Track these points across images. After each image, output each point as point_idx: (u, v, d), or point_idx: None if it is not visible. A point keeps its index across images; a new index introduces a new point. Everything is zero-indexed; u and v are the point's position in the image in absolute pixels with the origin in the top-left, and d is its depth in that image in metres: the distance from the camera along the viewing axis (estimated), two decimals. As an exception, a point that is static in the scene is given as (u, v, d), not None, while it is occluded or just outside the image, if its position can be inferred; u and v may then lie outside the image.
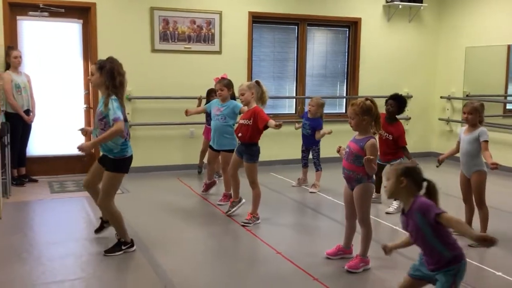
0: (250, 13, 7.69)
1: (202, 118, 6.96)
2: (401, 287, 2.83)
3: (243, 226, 4.94)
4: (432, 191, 2.72)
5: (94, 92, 7.00)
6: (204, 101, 6.85)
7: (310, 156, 6.58)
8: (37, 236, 4.66)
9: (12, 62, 6.29)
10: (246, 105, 5.06)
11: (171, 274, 3.77)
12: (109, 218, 4.25)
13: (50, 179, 6.83)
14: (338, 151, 4.03)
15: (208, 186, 6.21)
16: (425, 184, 2.73)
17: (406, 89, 8.80)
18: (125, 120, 4.06)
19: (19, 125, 6.31)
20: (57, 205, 5.68)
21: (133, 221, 4.99)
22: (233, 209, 5.27)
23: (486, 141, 4.49)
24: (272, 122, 4.85)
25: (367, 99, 3.83)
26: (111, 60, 4.06)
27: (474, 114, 4.53)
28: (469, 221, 4.71)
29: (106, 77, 3.96)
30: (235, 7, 7.61)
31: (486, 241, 2.49)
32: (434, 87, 9.06)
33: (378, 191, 5.75)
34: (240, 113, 5.61)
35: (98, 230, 4.59)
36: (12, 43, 6.50)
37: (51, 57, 6.91)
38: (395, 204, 5.55)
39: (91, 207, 5.50)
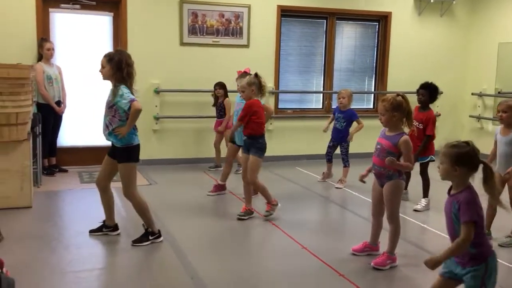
0: (278, 6, 7.66)
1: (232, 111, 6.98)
2: (433, 287, 2.77)
3: (238, 219, 4.95)
4: (488, 176, 2.60)
5: (123, 84, 7.07)
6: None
7: (336, 151, 6.53)
8: (67, 225, 4.75)
9: (44, 54, 6.41)
10: (247, 101, 5.00)
11: (197, 266, 3.80)
12: (135, 208, 4.30)
13: (79, 169, 6.95)
14: (361, 180, 3.91)
15: (218, 188, 5.95)
16: (481, 166, 2.61)
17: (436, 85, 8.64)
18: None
19: (50, 115, 6.44)
20: (86, 195, 5.77)
21: (160, 213, 5.05)
22: (270, 215, 5.08)
23: None
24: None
25: (398, 94, 3.77)
26: (119, 52, 4.19)
27: (509, 112, 4.35)
28: (489, 223, 4.47)
29: (114, 69, 4.06)
30: (263, 1, 7.59)
31: (428, 263, 2.57)
32: (465, 84, 8.88)
33: (405, 187, 5.67)
34: None
35: (94, 231, 4.48)
36: (44, 35, 6.62)
37: (82, 49, 7.01)
38: (423, 202, 5.49)
39: (119, 198, 5.57)
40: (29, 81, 5.21)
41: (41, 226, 4.65)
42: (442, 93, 8.59)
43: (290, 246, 4.34)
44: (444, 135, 8.30)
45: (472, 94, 8.74)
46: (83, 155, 7.11)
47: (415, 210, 5.42)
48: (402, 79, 8.30)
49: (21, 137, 5.05)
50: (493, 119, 8.24)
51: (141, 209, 4.26)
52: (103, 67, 4.15)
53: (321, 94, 8.32)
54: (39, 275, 3.59)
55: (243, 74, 5.79)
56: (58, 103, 6.53)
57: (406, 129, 3.94)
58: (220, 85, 6.86)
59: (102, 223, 4.48)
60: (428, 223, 5.01)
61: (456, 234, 2.59)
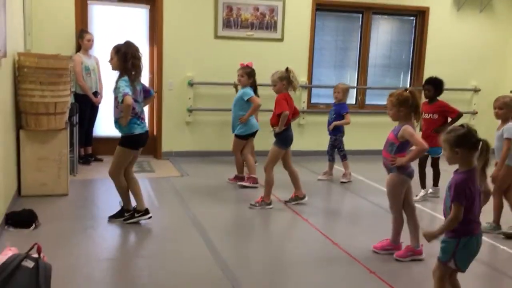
0: (314, 0, 7.61)
1: (265, 105, 6.96)
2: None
3: (250, 207, 5.08)
4: (484, 150, 2.78)
5: (158, 76, 7.17)
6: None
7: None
8: (102, 212, 4.85)
9: (84, 45, 6.53)
10: (278, 94, 5.13)
11: (226, 257, 3.84)
12: (116, 188, 4.53)
13: (114, 159, 7.07)
14: None
15: (237, 178, 6.12)
16: (480, 144, 2.79)
17: (474, 82, 8.47)
18: (135, 100, 4.26)
19: (87, 106, 6.57)
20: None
21: (191, 204, 5.12)
22: (293, 202, 5.27)
23: (508, 139, 4.43)
24: (284, 114, 4.99)
25: (406, 89, 3.86)
26: (127, 44, 4.32)
27: (505, 109, 4.50)
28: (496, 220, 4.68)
29: (120, 60, 4.23)
30: (299, -5, 7.55)
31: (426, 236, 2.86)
32: (504, 81, 8.64)
33: (423, 186, 5.71)
34: (248, 102, 5.87)
35: (113, 216, 4.63)
36: (83, 27, 6.75)
37: (119, 41, 7.08)
38: (422, 193, 5.64)
39: (152, 188, 5.67)
40: (68, 71, 5.33)
41: (77, 214, 4.77)
42: (480, 90, 8.44)
43: (309, 232, 4.34)
44: (481, 134, 8.11)
45: (511, 91, 8.51)
46: (118, 145, 7.21)
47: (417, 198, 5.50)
48: (439, 75, 8.06)
49: (59, 126, 5.18)
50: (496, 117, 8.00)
51: (121, 190, 4.52)
52: (111, 58, 4.32)
53: (355, 90, 8.23)
54: (75, 262, 3.69)
55: (246, 67, 6.01)
56: (95, 93, 6.66)
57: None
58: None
59: (133, 209, 4.60)
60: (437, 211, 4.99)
61: (446, 209, 2.83)
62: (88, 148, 6.84)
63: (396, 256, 3.92)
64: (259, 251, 4.12)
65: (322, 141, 6.68)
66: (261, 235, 4.53)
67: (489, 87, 8.53)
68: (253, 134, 6.09)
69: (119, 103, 4.23)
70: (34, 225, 4.24)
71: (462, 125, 2.84)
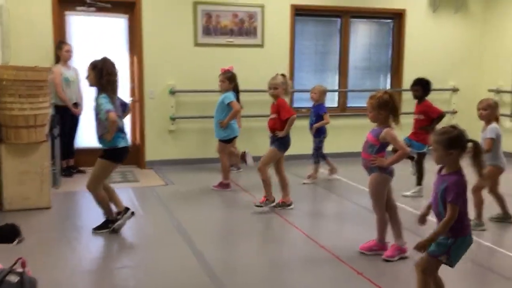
0: (292, 5, 7.67)
1: (248, 111, 6.97)
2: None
3: (256, 207, 5.15)
4: (477, 152, 2.85)
5: (139, 85, 7.14)
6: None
7: (325, 150, 6.59)
8: (86, 224, 4.81)
9: (63, 56, 6.49)
10: (275, 99, 5.16)
11: (214, 265, 3.83)
12: (95, 200, 4.52)
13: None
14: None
15: (220, 185, 6.17)
16: (470, 145, 2.85)
17: (452, 82, 8.60)
18: (117, 115, 4.30)
19: (68, 117, 6.52)
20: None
21: (177, 213, 5.10)
22: (279, 208, 5.27)
23: (490, 138, 4.56)
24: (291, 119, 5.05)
25: (385, 92, 3.89)
26: (103, 60, 4.35)
27: (489, 110, 4.62)
28: (503, 207, 4.87)
29: (96, 76, 4.27)
30: (277, 0, 7.59)
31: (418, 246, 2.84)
32: (481, 80, 8.78)
33: (419, 182, 5.82)
34: (229, 106, 5.93)
35: (98, 228, 4.61)
36: (60, 38, 6.70)
37: (98, 51, 7.06)
38: (414, 189, 5.76)
39: (136, 198, 5.64)
40: (47, 83, 5.28)
41: (61, 227, 4.72)
42: (458, 90, 8.57)
43: (296, 235, 4.36)
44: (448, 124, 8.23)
45: (489, 90, 8.64)
46: (100, 156, 7.15)
47: (404, 196, 5.64)
48: (418, 76, 8.21)
49: (39, 138, 5.13)
50: (510, 115, 8.15)
51: (101, 203, 4.51)
52: (88, 75, 4.37)
53: (336, 93, 8.30)
54: (61, 274, 3.65)
55: (226, 71, 6.05)
56: (76, 105, 6.61)
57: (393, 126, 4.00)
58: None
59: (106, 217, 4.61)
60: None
61: (439, 211, 2.84)
62: (70, 160, 6.78)
63: (385, 257, 3.94)
64: (245, 256, 4.12)
65: (305, 145, 6.72)
66: (247, 240, 4.52)
67: (467, 87, 8.67)
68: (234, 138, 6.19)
69: (101, 120, 4.27)
70: (17, 240, 4.16)
71: (453, 126, 2.87)
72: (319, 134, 6.44)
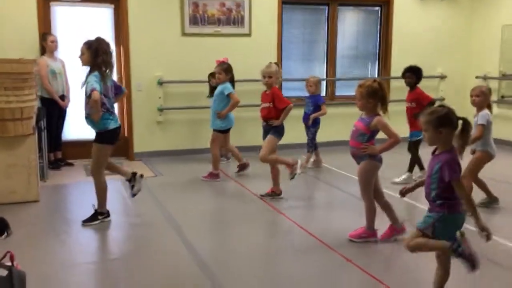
0: (279, -6, 7.63)
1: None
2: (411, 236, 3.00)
3: (261, 197, 5.18)
4: (466, 128, 2.83)
5: (126, 76, 7.09)
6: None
7: (319, 139, 6.67)
8: (75, 217, 4.78)
9: (48, 47, 6.41)
10: (269, 88, 5.13)
11: (204, 254, 3.83)
12: (96, 187, 4.51)
13: (85, 162, 6.96)
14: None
15: (241, 167, 6.36)
16: (460, 122, 2.83)
17: (440, 69, 8.63)
18: (106, 96, 4.29)
19: (55, 110, 6.46)
20: (92, 188, 5.74)
21: (166, 203, 5.09)
22: (268, 197, 5.28)
23: (481, 125, 4.60)
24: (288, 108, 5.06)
25: (374, 80, 3.91)
26: (98, 40, 4.35)
27: (482, 97, 4.67)
28: (488, 192, 4.94)
29: (91, 55, 4.25)
30: (264, -11, 7.56)
31: (485, 232, 2.74)
32: (469, 67, 8.83)
33: (421, 167, 5.87)
34: (228, 96, 5.95)
35: (87, 220, 4.61)
36: (46, 29, 6.62)
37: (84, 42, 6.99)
38: (403, 176, 5.82)
39: (125, 189, 5.61)
40: (33, 75, 5.22)
41: (49, 220, 4.69)
42: (446, 77, 8.61)
43: (285, 224, 4.38)
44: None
45: (476, 77, 8.70)
46: (88, 148, 6.94)
47: (393, 183, 5.68)
48: (406, 64, 8.10)
49: (26, 131, 5.07)
50: (497, 101, 8.21)
51: (101, 190, 4.50)
52: (82, 53, 4.34)
53: (324, 82, 8.29)
54: (50, 268, 3.63)
55: (222, 63, 6.04)
56: (62, 97, 6.55)
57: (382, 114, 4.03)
58: (214, 75, 6.82)
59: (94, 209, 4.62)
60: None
61: (430, 190, 2.86)
62: (57, 152, 6.72)
63: (381, 238, 4.04)
64: (235, 245, 4.12)
65: (296, 134, 6.73)
66: (237, 230, 4.53)
67: (454, 74, 8.72)
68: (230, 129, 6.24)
69: (88, 98, 4.25)
70: (5, 233, 4.14)
71: (441, 105, 2.89)
72: (315, 124, 6.49)
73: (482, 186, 4.93)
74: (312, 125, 6.50)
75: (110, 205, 4.62)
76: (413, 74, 5.86)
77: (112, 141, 4.46)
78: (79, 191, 5.76)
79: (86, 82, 4.26)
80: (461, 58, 8.80)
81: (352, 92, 8.32)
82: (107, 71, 4.34)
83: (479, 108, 4.70)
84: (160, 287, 3.37)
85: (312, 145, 6.56)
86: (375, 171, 3.99)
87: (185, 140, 7.46)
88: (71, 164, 6.80)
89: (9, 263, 2.84)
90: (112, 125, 4.38)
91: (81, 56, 4.35)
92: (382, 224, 4.11)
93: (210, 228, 4.61)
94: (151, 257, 3.88)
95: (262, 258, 3.90)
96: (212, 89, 6.93)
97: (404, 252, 3.91)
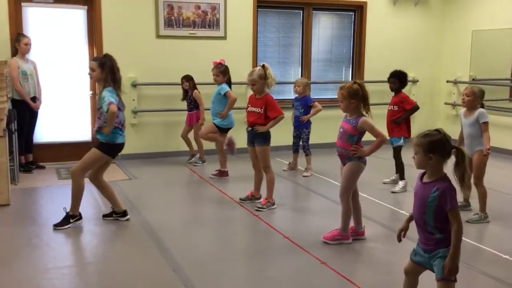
0: (255, -3, 7.66)
1: (208, 104, 6.94)
2: (405, 270, 2.84)
3: (257, 211, 4.96)
4: (461, 159, 2.65)
5: (100, 79, 7.00)
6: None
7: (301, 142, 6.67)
8: (46, 221, 4.70)
9: (21, 49, 6.29)
10: (259, 93, 5.00)
11: (179, 258, 3.82)
12: (72, 188, 4.46)
13: (57, 165, 6.88)
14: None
15: (220, 174, 6.33)
16: (454, 151, 2.66)
17: (412, 73, 8.75)
18: (119, 109, 4.38)
19: (26, 112, 6.34)
20: (65, 191, 5.67)
21: (141, 207, 5.06)
22: (247, 201, 5.23)
23: (486, 122, 4.63)
24: (279, 118, 4.96)
25: (354, 82, 4.00)
26: (109, 58, 4.45)
27: (472, 97, 4.69)
28: (467, 197, 4.89)
29: (108, 73, 4.36)
30: (239, -8, 7.57)
31: (451, 271, 2.56)
32: (440, 72, 9.01)
33: (402, 176, 5.88)
34: (225, 96, 6.00)
35: (106, 215, 4.72)
36: (17, 30, 6.50)
37: (57, 43, 6.91)
38: (401, 184, 5.78)
39: (98, 193, 5.54)
40: (4, 77, 5.13)
41: (21, 224, 4.60)
42: (417, 81, 8.76)
43: (273, 236, 4.38)
44: (420, 123, 8.43)
45: (447, 81, 8.88)
46: (60, 151, 7.03)
47: (393, 192, 5.71)
48: (378, 68, 8.37)
49: (-4, 134, 4.98)
50: (462, 105, 8.36)
51: (77, 192, 4.44)
52: (93, 70, 4.42)
53: (299, 85, 8.34)
54: (22, 272, 3.56)
55: (219, 64, 6.06)
56: (34, 99, 6.44)
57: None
58: (187, 78, 6.85)
59: (112, 209, 4.69)
60: (401, 206, 5.12)
61: (425, 221, 2.63)
62: (28, 155, 6.60)
63: (324, 239, 4.11)
64: (211, 248, 4.11)
65: (283, 136, 6.78)
66: (212, 233, 4.52)
67: (426, 78, 8.88)
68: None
69: (102, 114, 4.33)
70: (-26, 238, 4.06)
71: (437, 130, 2.68)
72: (307, 125, 6.55)
73: (470, 188, 4.76)
74: (305, 127, 6.54)
75: (82, 209, 4.55)
76: (397, 79, 5.86)
77: (113, 154, 4.50)
78: (50, 194, 5.67)
79: (100, 97, 4.35)
80: (432, 63, 8.97)
81: (326, 95, 8.49)
82: (120, 85, 4.46)
83: (470, 108, 4.71)
84: (134, 291, 3.34)
85: (308, 147, 6.58)
86: (360, 173, 4.06)
87: (160, 142, 7.41)
88: (42, 167, 6.69)
89: (-22, 269, 2.78)
90: (120, 140, 4.47)
91: (92, 73, 4.44)
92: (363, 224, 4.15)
93: (185, 230, 4.58)
94: (125, 261, 3.84)
95: (237, 261, 3.90)
96: (185, 92, 6.92)
97: (377, 254, 3.99)
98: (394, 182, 5.93)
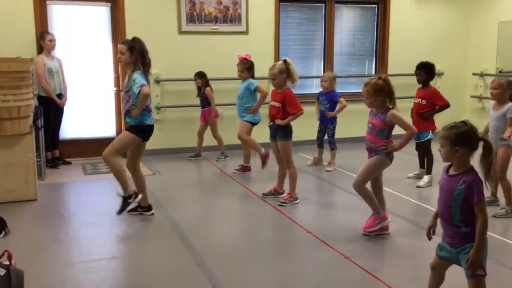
0: (276, -8, 7.63)
1: (232, 99, 6.95)
2: (431, 265, 2.80)
3: (280, 205, 4.95)
4: (488, 151, 2.60)
5: (123, 75, 7.05)
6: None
7: (325, 137, 6.63)
8: (73, 216, 4.79)
9: (46, 46, 6.39)
10: (279, 87, 4.99)
11: (203, 253, 3.83)
12: (112, 170, 4.51)
13: (83, 161, 6.98)
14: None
15: (243, 169, 6.32)
16: (481, 143, 2.60)
17: (437, 66, 8.51)
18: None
19: (52, 108, 6.45)
20: (90, 186, 5.81)
21: (165, 202, 5.09)
22: (270, 196, 5.23)
23: None
24: (298, 113, 4.93)
25: (379, 77, 3.93)
26: (138, 40, 4.44)
27: (500, 89, 4.59)
28: (494, 192, 4.82)
29: (138, 56, 4.37)
30: (261, -14, 7.55)
31: (474, 264, 2.53)
32: (466, 64, 8.85)
33: (422, 165, 5.89)
34: (255, 91, 5.98)
35: (131, 210, 4.70)
36: (42, 28, 6.61)
37: (81, 40, 7.00)
38: (426, 178, 5.69)
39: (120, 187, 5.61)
40: (30, 74, 5.21)
41: (48, 218, 4.68)
42: (443, 73, 8.62)
43: (296, 231, 4.38)
44: (445, 116, 8.25)
45: (473, 74, 8.72)
46: (86, 147, 7.12)
47: (418, 187, 5.64)
48: (403, 61, 8.27)
49: (23, 130, 5.06)
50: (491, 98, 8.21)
51: (118, 173, 4.48)
52: (122, 53, 4.43)
53: (322, 79, 8.29)
54: (48, 266, 3.62)
55: (244, 59, 5.99)
56: (59, 95, 6.54)
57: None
58: (199, 75, 6.84)
59: (137, 204, 4.67)
60: (427, 202, 5.05)
61: (452, 215, 2.59)
62: (55, 151, 6.72)
63: (364, 230, 4.09)
64: (234, 243, 4.12)
65: (307, 131, 6.76)
66: (236, 228, 4.53)
67: (452, 70, 8.73)
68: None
69: (131, 97, 4.37)
70: (3, 232, 4.14)
71: (463, 122, 2.62)
72: (332, 120, 6.52)
73: (497, 183, 4.75)
74: (330, 122, 6.50)
75: (106, 204, 4.62)
76: (423, 71, 5.70)
77: (144, 135, 4.52)
78: (76, 189, 5.76)
79: (130, 80, 4.36)
80: (458, 55, 8.82)
81: (350, 89, 8.42)
82: (149, 69, 4.48)
83: (499, 100, 4.62)
84: (159, 285, 3.37)
85: (334, 142, 6.54)
86: (383, 168, 4.03)
87: (183, 138, 7.45)
88: (68, 163, 6.79)
89: (7, 262, 2.84)
90: (149, 121, 4.49)
91: (121, 56, 4.45)
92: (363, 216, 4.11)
93: (209, 225, 4.61)
94: (149, 255, 3.88)
95: (261, 255, 3.89)
96: (199, 89, 6.94)
97: (403, 249, 3.95)
98: (418, 177, 5.85)
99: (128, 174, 4.60)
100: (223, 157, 7.01)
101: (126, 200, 4.50)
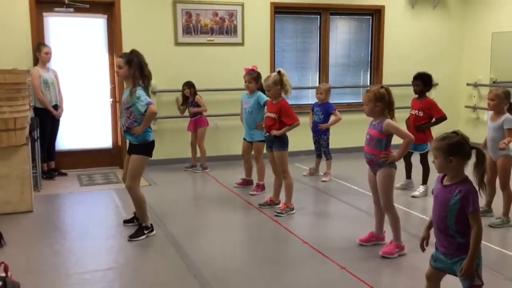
0: (272, 3, 7.68)
1: (227, 109, 6.99)
2: (426, 276, 2.82)
3: (276, 216, 4.96)
4: (481, 160, 2.62)
5: (120, 86, 7.09)
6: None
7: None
8: (68, 228, 4.77)
9: (42, 58, 6.41)
10: (274, 98, 5.03)
11: (200, 264, 3.83)
12: (134, 202, 4.45)
13: (79, 172, 6.97)
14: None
15: (244, 182, 6.19)
16: (474, 152, 2.62)
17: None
18: None
19: (48, 120, 6.45)
20: (86, 198, 5.80)
21: (161, 213, 5.09)
22: (266, 206, 5.24)
23: (510, 129, 4.48)
24: (295, 124, 4.95)
25: (382, 86, 3.95)
26: (136, 53, 4.33)
27: (497, 100, 4.58)
28: (489, 202, 4.83)
29: (136, 70, 4.24)
30: (257, -2, 7.61)
31: (467, 273, 2.54)
32: (460, 74, 8.92)
33: (408, 176, 5.90)
34: (264, 105, 5.74)
35: (127, 221, 4.74)
36: (39, 39, 6.62)
37: (77, 52, 7.02)
38: (421, 188, 5.70)
39: (119, 199, 5.61)
40: (26, 86, 5.22)
41: (43, 230, 4.67)
42: (437, 84, 8.67)
43: (292, 241, 4.38)
44: (440, 127, 8.31)
45: (467, 84, 8.78)
46: (82, 158, 7.12)
47: (413, 196, 5.64)
48: (397, 72, 8.33)
49: (19, 142, 5.07)
50: (488, 108, 8.27)
51: (139, 204, 4.42)
52: (120, 67, 4.31)
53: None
54: (44, 278, 3.62)
55: (251, 70, 5.88)
56: (55, 107, 6.55)
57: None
58: (188, 85, 6.85)
59: (133, 214, 4.66)
60: (426, 213, 5.06)
61: (447, 225, 2.61)
62: (51, 162, 6.71)
63: (383, 253, 3.96)
64: (231, 254, 4.12)
65: (302, 141, 6.76)
66: (232, 239, 4.53)
67: (446, 81, 8.78)
68: None
69: (132, 113, 4.25)
70: (-1, 244, 4.13)
71: (455, 132, 2.64)
72: (326, 132, 6.54)
73: (493, 194, 4.80)
74: (324, 133, 6.52)
75: (103, 215, 4.61)
76: (420, 81, 5.69)
77: (150, 152, 4.43)
78: (72, 201, 5.75)
79: (133, 97, 4.20)
80: (452, 66, 8.88)
81: (344, 100, 8.47)
82: (149, 82, 4.37)
83: (496, 111, 4.61)
84: (155, 296, 3.37)
85: (329, 152, 6.55)
86: (394, 178, 3.98)
87: (179, 149, 7.45)
88: (64, 174, 6.78)
89: (3, 274, 2.83)
90: (151, 137, 4.40)
91: (119, 70, 4.33)
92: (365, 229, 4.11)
93: (205, 236, 4.60)
94: (145, 266, 3.87)
95: (257, 266, 3.89)
96: (185, 98, 6.93)
97: (399, 259, 3.95)
98: (404, 188, 5.86)
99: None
100: (200, 169, 6.97)
101: (142, 229, 4.42)
